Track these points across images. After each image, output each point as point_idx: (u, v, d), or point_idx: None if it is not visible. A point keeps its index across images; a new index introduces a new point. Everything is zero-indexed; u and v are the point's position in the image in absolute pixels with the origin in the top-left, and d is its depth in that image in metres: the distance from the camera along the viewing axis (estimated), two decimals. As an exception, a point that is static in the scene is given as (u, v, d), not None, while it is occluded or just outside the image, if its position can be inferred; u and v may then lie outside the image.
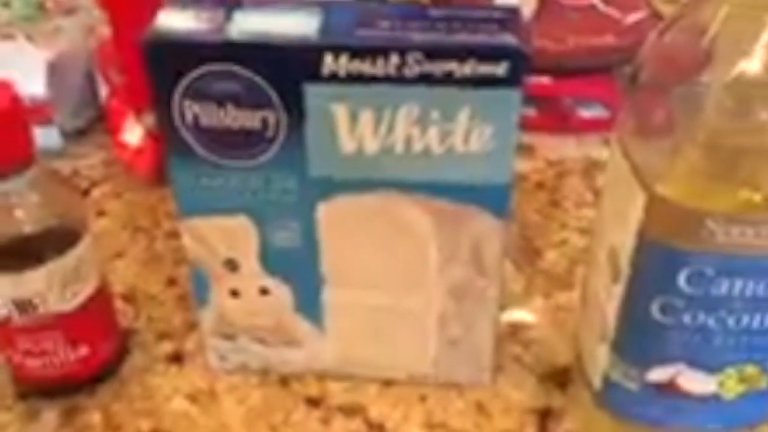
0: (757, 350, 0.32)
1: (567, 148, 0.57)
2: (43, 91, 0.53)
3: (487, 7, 0.32)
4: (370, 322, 0.38)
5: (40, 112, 0.52)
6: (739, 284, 0.30)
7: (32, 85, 0.51)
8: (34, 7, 0.59)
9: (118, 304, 0.44)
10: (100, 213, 0.51)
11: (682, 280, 0.30)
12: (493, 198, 0.33)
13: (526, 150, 0.56)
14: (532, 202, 0.52)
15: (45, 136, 0.51)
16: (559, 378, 0.40)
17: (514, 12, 0.32)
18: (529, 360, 0.42)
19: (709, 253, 0.29)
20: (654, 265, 0.30)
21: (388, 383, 0.40)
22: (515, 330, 0.43)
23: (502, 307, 0.42)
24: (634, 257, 0.31)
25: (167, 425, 0.39)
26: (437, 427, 0.39)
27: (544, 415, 0.39)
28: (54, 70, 0.54)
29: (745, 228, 0.28)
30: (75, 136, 0.57)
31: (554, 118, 0.58)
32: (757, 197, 0.29)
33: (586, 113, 0.58)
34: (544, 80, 0.57)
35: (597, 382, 0.35)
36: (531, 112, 0.57)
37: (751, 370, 0.32)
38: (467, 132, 0.32)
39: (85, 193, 0.53)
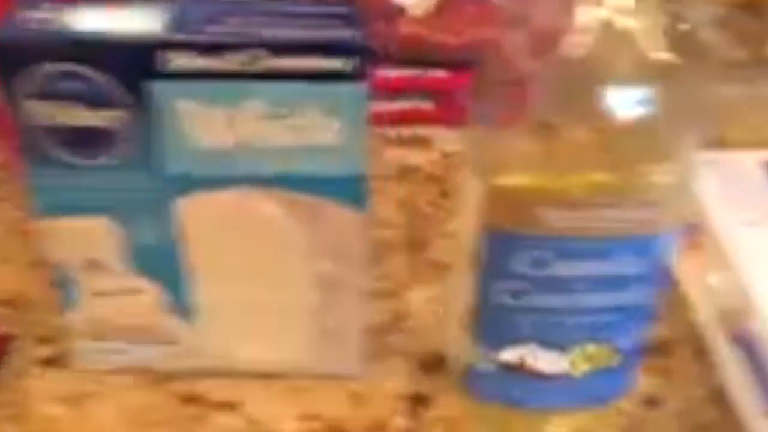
0: (601, 329, 0.33)
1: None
2: None
3: (334, 3, 0.33)
4: (242, 317, 0.38)
5: None
6: (577, 266, 0.31)
7: None
8: None
9: (-4, 309, 0.43)
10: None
11: (524, 264, 0.31)
12: (347, 190, 0.34)
13: (421, 142, 0.57)
14: (423, 193, 0.53)
15: None
16: (433, 365, 0.41)
17: (357, 8, 0.32)
18: (405, 348, 0.42)
19: (547, 238, 0.30)
20: (497, 252, 0.31)
21: (264, 377, 0.41)
22: (396, 319, 0.44)
23: (386, 296, 0.43)
24: (479, 244, 0.32)
25: (36, 429, 0.38)
26: (313, 419, 0.39)
27: (415, 401, 0.40)
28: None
29: (576, 213, 0.29)
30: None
31: (451, 111, 0.59)
32: (589, 182, 0.30)
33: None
34: (441, 74, 0.58)
35: (459, 366, 0.36)
36: (428, 105, 0.58)
37: (595, 348, 0.33)
38: (317, 126, 0.32)
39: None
